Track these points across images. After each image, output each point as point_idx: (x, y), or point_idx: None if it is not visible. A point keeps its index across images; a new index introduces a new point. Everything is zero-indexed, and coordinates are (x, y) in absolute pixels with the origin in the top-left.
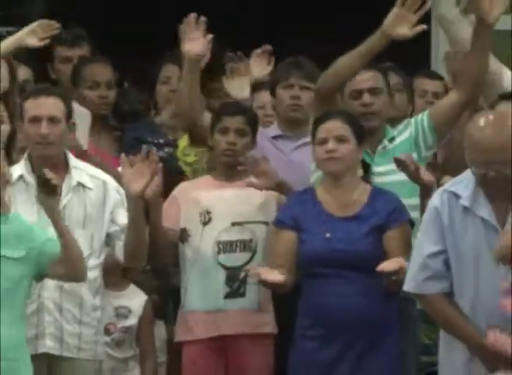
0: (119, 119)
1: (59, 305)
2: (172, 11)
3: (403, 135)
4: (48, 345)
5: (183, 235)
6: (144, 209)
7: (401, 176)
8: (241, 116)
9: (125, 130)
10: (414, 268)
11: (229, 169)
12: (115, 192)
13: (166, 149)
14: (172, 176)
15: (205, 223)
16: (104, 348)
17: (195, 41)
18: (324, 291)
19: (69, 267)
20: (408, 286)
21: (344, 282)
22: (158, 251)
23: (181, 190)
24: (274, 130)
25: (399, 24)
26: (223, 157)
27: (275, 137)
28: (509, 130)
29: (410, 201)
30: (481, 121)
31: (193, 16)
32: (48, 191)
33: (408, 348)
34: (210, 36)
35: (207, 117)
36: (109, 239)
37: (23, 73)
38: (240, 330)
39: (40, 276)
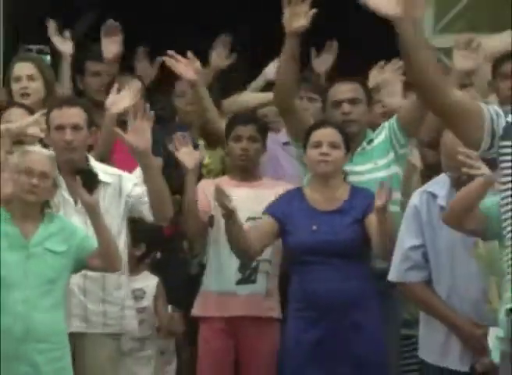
0: None
1: (83, 288)
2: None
3: (379, 138)
4: (75, 325)
5: (211, 220)
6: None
7: (378, 175)
8: (252, 125)
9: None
10: (396, 259)
11: (244, 172)
12: (128, 181)
13: None
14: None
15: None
16: (132, 321)
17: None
18: (311, 276)
19: (106, 260)
20: (392, 276)
21: (329, 268)
22: (190, 225)
23: (205, 184)
24: (284, 136)
25: (294, 20)
26: (238, 161)
27: (285, 143)
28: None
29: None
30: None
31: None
32: (90, 187)
33: (390, 326)
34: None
35: (222, 125)
36: (135, 212)
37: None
38: (248, 312)
39: (78, 269)
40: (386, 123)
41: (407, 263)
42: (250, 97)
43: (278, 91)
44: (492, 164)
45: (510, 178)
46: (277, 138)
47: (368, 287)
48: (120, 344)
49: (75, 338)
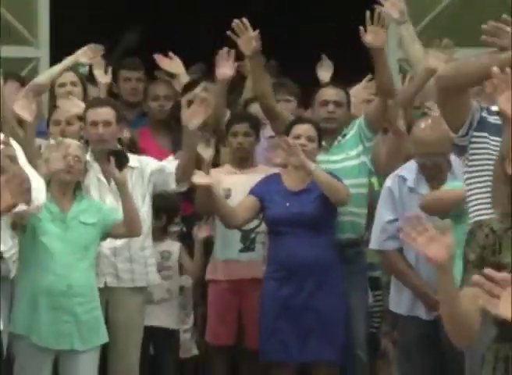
0: (176, 122)
1: (114, 251)
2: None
3: (350, 133)
4: (109, 281)
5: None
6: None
7: (349, 163)
8: (246, 122)
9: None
10: (376, 231)
11: (241, 161)
12: (148, 164)
13: None
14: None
15: (226, 197)
16: (155, 276)
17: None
18: (283, 244)
19: (130, 227)
20: (373, 245)
21: (298, 237)
22: (200, 205)
23: (213, 172)
24: (269, 131)
25: (247, 45)
26: (236, 153)
27: (270, 137)
28: (441, 131)
29: (357, 180)
30: (422, 124)
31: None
32: (119, 164)
33: (356, 286)
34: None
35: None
36: (159, 187)
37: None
38: (248, 275)
39: (105, 237)
40: (356, 121)
41: (385, 234)
42: None
43: (259, 101)
44: (460, 151)
45: (479, 163)
46: (263, 133)
47: (330, 253)
48: (147, 295)
49: (108, 293)
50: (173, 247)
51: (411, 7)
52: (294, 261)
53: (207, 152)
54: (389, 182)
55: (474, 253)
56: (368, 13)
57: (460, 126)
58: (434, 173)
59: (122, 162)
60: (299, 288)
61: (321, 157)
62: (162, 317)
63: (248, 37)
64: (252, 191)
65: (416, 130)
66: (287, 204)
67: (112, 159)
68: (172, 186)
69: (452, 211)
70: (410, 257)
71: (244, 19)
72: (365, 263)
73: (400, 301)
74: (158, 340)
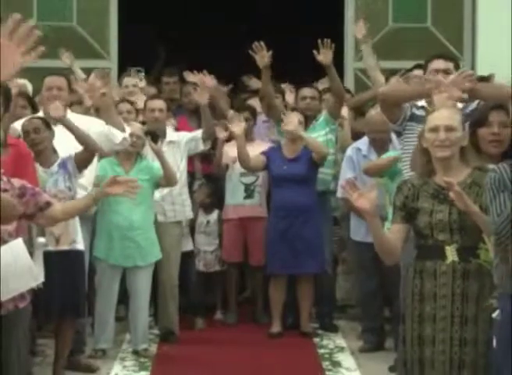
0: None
1: (162, 197)
2: None
3: (320, 119)
4: (159, 218)
5: (227, 165)
6: None
7: (321, 139)
8: (247, 111)
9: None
10: (341, 187)
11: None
12: (183, 136)
13: None
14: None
15: (233, 162)
16: (190, 213)
17: None
18: (282, 193)
19: (167, 180)
20: (339, 194)
21: (292, 189)
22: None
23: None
24: (263, 117)
25: (262, 61)
26: None
27: (265, 121)
28: (383, 117)
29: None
30: (372, 111)
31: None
32: (154, 140)
33: (326, 221)
34: None
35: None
36: (193, 150)
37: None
38: (250, 214)
39: (156, 187)
40: (325, 110)
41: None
42: None
43: (265, 98)
44: (398, 134)
45: (409, 141)
46: (260, 118)
47: (313, 200)
48: (183, 228)
49: (157, 226)
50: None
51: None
52: (289, 205)
53: (238, 127)
54: (349, 151)
55: (399, 201)
56: (319, 41)
57: (396, 120)
58: (380, 145)
59: (155, 138)
60: (292, 223)
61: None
62: (185, 243)
63: (262, 54)
64: (263, 153)
65: (368, 115)
66: (284, 167)
67: (149, 136)
68: (201, 148)
69: (384, 173)
70: None
71: (261, 43)
72: (331, 206)
73: (357, 231)
74: (186, 258)
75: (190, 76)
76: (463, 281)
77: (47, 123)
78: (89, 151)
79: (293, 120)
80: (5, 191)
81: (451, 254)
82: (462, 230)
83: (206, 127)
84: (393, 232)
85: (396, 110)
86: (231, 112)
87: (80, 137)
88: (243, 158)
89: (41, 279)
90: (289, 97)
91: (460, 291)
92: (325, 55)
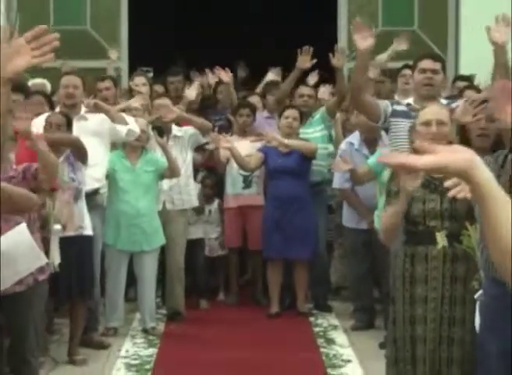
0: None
1: (170, 187)
2: None
3: (316, 116)
4: (167, 206)
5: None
6: None
7: (316, 135)
8: (247, 108)
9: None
10: (336, 176)
11: (244, 132)
12: (187, 131)
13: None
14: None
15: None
16: (196, 200)
17: None
18: (277, 185)
19: (173, 171)
20: (335, 185)
21: (286, 180)
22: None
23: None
24: (265, 113)
25: (304, 61)
26: (241, 127)
27: (268, 117)
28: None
29: (322, 145)
30: (352, 117)
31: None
32: (159, 133)
33: (321, 210)
34: None
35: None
36: (196, 143)
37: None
38: (248, 203)
39: (161, 178)
40: (321, 109)
41: (343, 178)
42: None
43: (280, 96)
44: (385, 130)
45: (396, 135)
46: (262, 114)
47: (306, 191)
48: (189, 217)
49: (166, 214)
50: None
51: None
52: (284, 195)
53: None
54: (343, 146)
55: (396, 187)
56: (335, 46)
57: (378, 120)
58: (370, 142)
59: (161, 133)
60: (286, 212)
61: (300, 130)
62: (196, 231)
63: (306, 59)
64: (260, 150)
65: (356, 119)
66: (279, 160)
67: (155, 131)
68: (203, 141)
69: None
70: (357, 191)
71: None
72: (326, 196)
73: (350, 219)
74: (192, 245)
75: (211, 77)
76: (452, 265)
77: (69, 122)
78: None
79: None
80: (12, 177)
81: (441, 239)
82: (452, 217)
83: (196, 127)
84: (389, 213)
85: (369, 110)
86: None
87: (113, 117)
88: (242, 164)
89: (57, 260)
90: (323, 94)
91: (450, 273)
92: (338, 60)
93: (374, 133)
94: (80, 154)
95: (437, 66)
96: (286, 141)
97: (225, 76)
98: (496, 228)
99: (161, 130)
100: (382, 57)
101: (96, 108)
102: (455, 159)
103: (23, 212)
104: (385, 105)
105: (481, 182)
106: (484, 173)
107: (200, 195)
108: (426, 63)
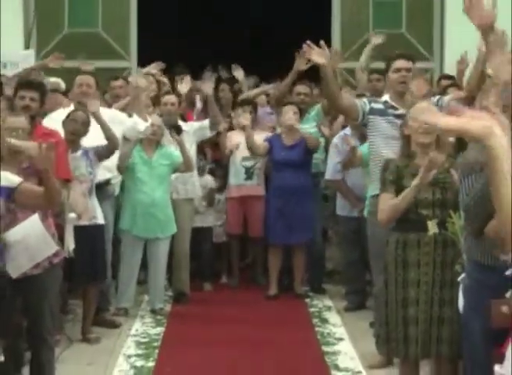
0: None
1: (176, 178)
2: None
3: (312, 113)
4: (174, 195)
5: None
6: None
7: (310, 130)
8: (249, 105)
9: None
10: (329, 168)
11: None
12: (192, 125)
13: None
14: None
15: (237, 148)
16: (199, 191)
17: None
18: (280, 176)
19: (186, 166)
20: (328, 176)
21: (288, 172)
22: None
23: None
24: (268, 109)
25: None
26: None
27: (269, 113)
28: None
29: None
30: (340, 118)
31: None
32: (177, 131)
33: (316, 199)
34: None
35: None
36: (201, 137)
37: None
38: (250, 193)
39: (174, 171)
40: (316, 106)
41: (335, 170)
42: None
43: (278, 96)
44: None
45: (373, 129)
46: (265, 109)
47: (307, 182)
48: (194, 206)
49: (172, 203)
50: (209, 178)
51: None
52: (286, 186)
53: (246, 120)
54: (335, 139)
55: (392, 176)
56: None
57: (356, 118)
58: (360, 135)
59: (178, 131)
60: (289, 201)
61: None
62: (203, 219)
63: (303, 61)
64: (266, 140)
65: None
66: (283, 153)
67: (173, 129)
68: (208, 135)
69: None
70: (348, 182)
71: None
72: (321, 186)
73: (343, 208)
74: (200, 233)
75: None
76: (442, 250)
77: (89, 120)
78: (111, 146)
79: (291, 117)
80: (27, 168)
81: (432, 227)
82: (443, 206)
83: (212, 114)
84: (387, 201)
85: (348, 111)
86: (239, 110)
87: (107, 131)
88: (252, 145)
89: (72, 246)
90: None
91: (440, 259)
92: (334, 61)
93: (362, 128)
94: (107, 156)
95: (410, 64)
96: (298, 126)
97: (208, 87)
98: (496, 199)
99: (179, 128)
100: (362, 58)
101: (94, 117)
102: (476, 125)
103: (54, 206)
104: (362, 103)
105: (493, 152)
106: (499, 141)
107: (209, 187)
108: (400, 63)
